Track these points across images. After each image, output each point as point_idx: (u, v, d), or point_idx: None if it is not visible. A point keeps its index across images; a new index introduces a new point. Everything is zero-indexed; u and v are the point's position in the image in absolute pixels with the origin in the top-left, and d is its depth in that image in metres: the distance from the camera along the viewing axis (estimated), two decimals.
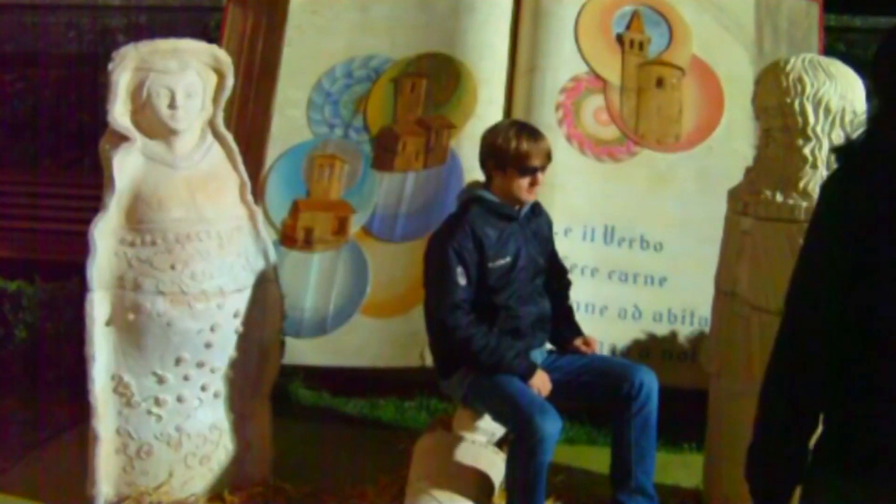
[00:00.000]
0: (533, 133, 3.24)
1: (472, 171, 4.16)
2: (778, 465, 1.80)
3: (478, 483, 3.20)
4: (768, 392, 1.81)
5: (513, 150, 3.18)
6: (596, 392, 3.25)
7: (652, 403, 3.14)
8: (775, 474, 1.81)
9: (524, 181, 3.19)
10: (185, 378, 3.32)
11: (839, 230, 1.69)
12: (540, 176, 3.21)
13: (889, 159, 1.67)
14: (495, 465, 3.24)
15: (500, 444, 3.36)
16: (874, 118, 1.77)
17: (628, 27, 4.69)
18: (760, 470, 1.84)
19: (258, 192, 4.42)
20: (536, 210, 3.36)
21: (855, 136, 1.79)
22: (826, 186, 1.78)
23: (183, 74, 3.27)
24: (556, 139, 4.32)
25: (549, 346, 3.39)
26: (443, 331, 3.18)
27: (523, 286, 3.22)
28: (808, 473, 1.80)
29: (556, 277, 3.44)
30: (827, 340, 1.71)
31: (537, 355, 3.29)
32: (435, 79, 4.65)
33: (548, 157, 3.23)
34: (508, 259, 3.19)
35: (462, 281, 3.13)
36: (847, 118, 3.19)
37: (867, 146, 1.74)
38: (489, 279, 3.16)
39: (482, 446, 3.27)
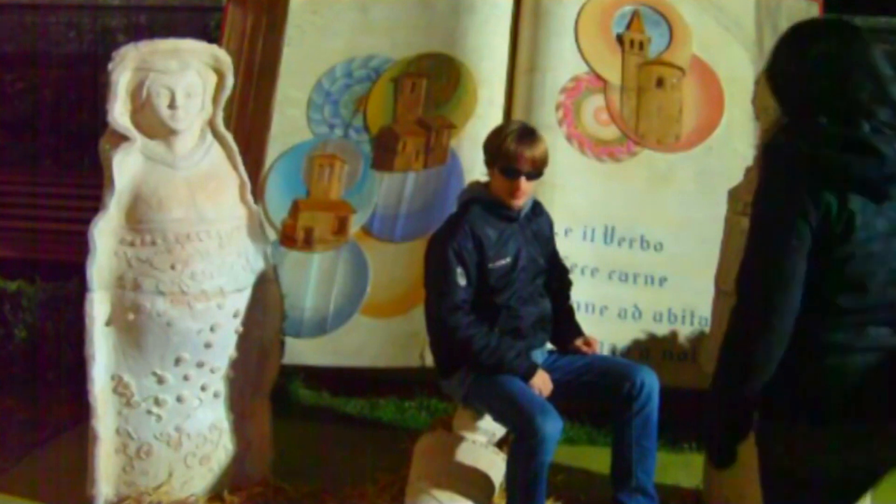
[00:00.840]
0: (525, 136, 3.16)
1: (472, 171, 4.17)
2: (731, 426, 2.08)
3: (478, 483, 3.20)
4: (726, 367, 2.06)
5: (499, 147, 3.15)
6: (597, 392, 3.25)
7: (653, 403, 3.14)
8: (726, 434, 2.09)
9: (507, 183, 3.14)
10: (185, 378, 3.32)
11: (789, 221, 1.94)
12: (523, 182, 3.13)
13: (800, 158, 1.94)
14: (495, 466, 3.24)
15: (499, 444, 3.36)
16: (779, 127, 2.04)
17: (628, 27, 4.68)
18: (714, 430, 2.12)
19: (258, 192, 4.41)
20: (537, 210, 3.35)
21: (770, 141, 2.05)
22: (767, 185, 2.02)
23: (183, 74, 3.26)
24: (556, 139, 4.32)
25: (549, 346, 3.39)
26: (443, 331, 3.18)
27: (524, 286, 3.22)
28: (761, 427, 2.06)
29: (557, 277, 3.44)
30: (787, 318, 1.95)
31: (538, 355, 3.29)
32: (435, 79, 4.65)
33: (535, 164, 3.14)
34: (508, 259, 3.19)
35: (462, 281, 3.12)
36: None
37: (782, 150, 2.00)
38: (489, 279, 3.16)
39: (482, 446, 3.27)
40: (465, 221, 3.17)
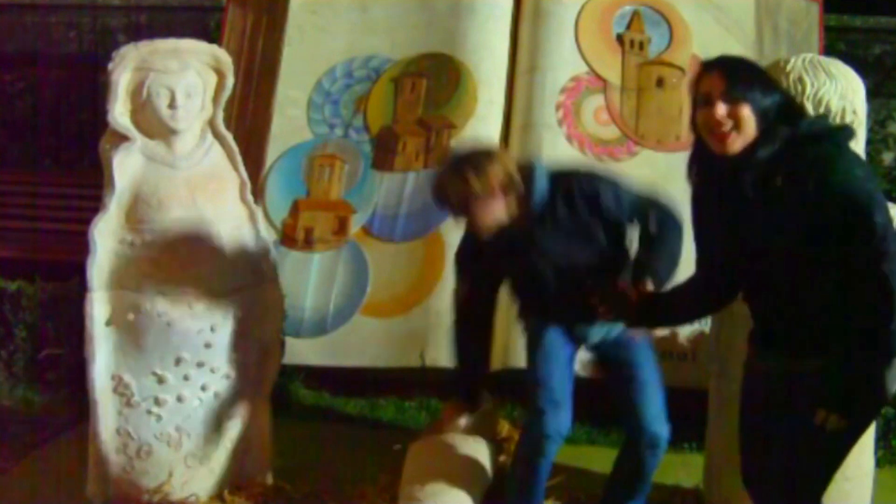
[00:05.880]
0: (443, 178, 2.93)
1: None
2: None
3: (476, 482, 3.20)
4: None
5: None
6: (616, 398, 3.15)
7: (655, 458, 3.05)
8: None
9: (461, 219, 3.01)
10: (185, 378, 3.32)
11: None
12: (473, 211, 2.88)
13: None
14: (493, 465, 3.24)
15: (499, 443, 3.36)
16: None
17: (628, 27, 4.69)
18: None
19: (258, 192, 4.42)
20: (559, 200, 2.98)
21: None
22: None
23: (183, 74, 3.26)
24: (556, 139, 4.33)
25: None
26: None
27: (553, 280, 3.02)
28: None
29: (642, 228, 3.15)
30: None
31: (595, 331, 3.11)
32: (435, 79, 4.65)
33: (458, 197, 2.86)
34: (524, 267, 3.05)
35: (461, 290, 3.17)
36: (847, 118, 3.18)
37: None
38: (514, 285, 3.14)
39: (480, 445, 3.27)
40: (472, 237, 3.08)
